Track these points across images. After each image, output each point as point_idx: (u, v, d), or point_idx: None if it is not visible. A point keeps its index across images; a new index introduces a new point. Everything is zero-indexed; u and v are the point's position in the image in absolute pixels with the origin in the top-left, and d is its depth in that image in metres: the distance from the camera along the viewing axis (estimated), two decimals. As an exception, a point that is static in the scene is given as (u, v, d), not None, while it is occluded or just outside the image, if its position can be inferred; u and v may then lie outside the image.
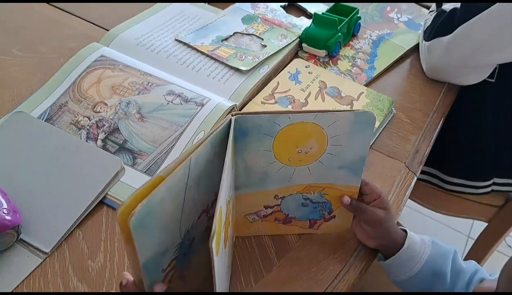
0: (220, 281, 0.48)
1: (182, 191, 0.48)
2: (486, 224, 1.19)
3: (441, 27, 0.88)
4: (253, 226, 0.65)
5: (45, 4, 1.05)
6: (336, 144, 0.57)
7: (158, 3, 1.03)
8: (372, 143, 0.79)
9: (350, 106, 0.82)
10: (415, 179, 0.75)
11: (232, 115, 0.53)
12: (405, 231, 0.65)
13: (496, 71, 0.92)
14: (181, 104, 0.78)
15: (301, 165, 0.59)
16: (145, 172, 0.70)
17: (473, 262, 0.68)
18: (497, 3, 0.79)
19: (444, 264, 0.64)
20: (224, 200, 0.48)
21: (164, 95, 0.79)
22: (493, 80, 0.94)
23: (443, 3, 0.94)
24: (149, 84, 0.81)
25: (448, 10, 0.89)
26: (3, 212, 0.60)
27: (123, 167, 0.70)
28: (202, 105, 0.78)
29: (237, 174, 0.59)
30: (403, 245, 0.63)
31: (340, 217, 0.65)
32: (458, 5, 0.87)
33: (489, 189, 1.08)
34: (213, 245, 0.42)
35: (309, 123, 0.55)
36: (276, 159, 0.58)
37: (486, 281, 0.53)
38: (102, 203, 0.67)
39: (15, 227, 0.60)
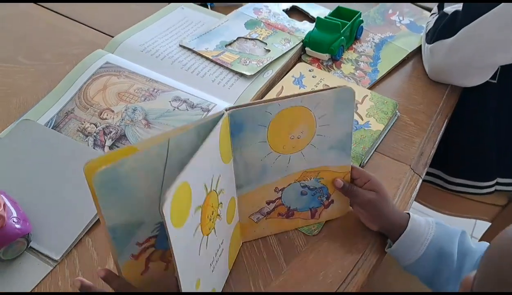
0: (187, 265, 0.49)
1: (160, 169, 0.50)
2: (489, 223, 1.19)
3: (443, 29, 0.89)
4: (258, 227, 0.66)
5: (49, 11, 1.05)
6: (324, 125, 0.61)
7: (161, 9, 1.03)
8: (377, 147, 0.79)
9: (354, 110, 0.83)
10: (420, 181, 0.76)
11: (226, 110, 0.56)
12: (409, 214, 0.66)
13: (498, 72, 0.92)
14: (187, 110, 0.78)
15: (295, 151, 0.62)
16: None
17: (486, 244, 0.66)
18: (500, 5, 0.79)
19: (450, 245, 0.63)
20: (194, 177, 0.49)
21: (170, 101, 0.80)
22: (495, 81, 0.94)
23: (445, 6, 0.94)
24: (155, 90, 0.81)
25: (450, 13, 0.89)
26: (13, 221, 0.60)
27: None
28: (208, 110, 0.78)
29: (237, 173, 0.61)
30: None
31: (338, 201, 0.68)
32: (460, 7, 0.88)
33: (492, 189, 1.08)
34: (166, 209, 0.43)
35: (297, 107, 0.59)
36: (272, 149, 0.61)
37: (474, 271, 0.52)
38: (110, 209, 0.68)
39: (25, 235, 0.61)
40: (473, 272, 0.49)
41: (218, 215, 0.57)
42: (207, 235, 0.54)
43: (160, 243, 0.55)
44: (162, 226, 0.51)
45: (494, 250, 0.43)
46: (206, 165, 0.52)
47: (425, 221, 0.65)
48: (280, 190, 0.65)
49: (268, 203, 0.65)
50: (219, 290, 0.60)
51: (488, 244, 0.64)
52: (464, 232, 0.66)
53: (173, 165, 0.51)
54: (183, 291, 0.48)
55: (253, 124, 0.58)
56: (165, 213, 0.43)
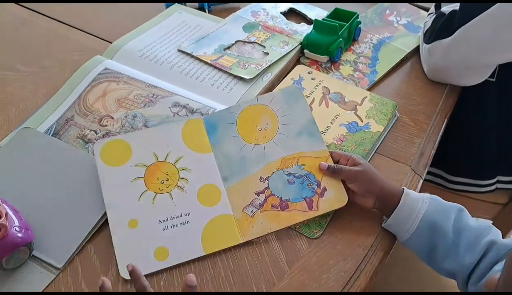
0: (115, 199, 0.68)
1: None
2: (491, 221, 1.19)
3: (441, 29, 0.89)
4: (255, 222, 0.68)
5: (46, 17, 1.06)
6: (284, 115, 0.75)
7: (159, 14, 1.03)
8: (377, 148, 0.79)
9: (354, 111, 0.83)
10: (421, 181, 0.76)
11: (201, 115, 0.77)
12: (403, 189, 0.67)
13: (497, 70, 0.92)
14: (187, 115, 0.79)
15: (267, 140, 0.74)
16: (153, 184, 0.71)
17: (488, 222, 0.66)
18: (497, 4, 0.79)
19: (444, 220, 0.64)
20: (136, 141, 0.72)
21: (170, 107, 0.80)
22: (494, 80, 0.94)
23: (442, 6, 0.94)
24: (154, 96, 0.81)
25: (447, 13, 0.90)
26: (15, 230, 0.60)
27: (132, 180, 0.71)
28: (208, 115, 0.78)
29: (220, 166, 0.72)
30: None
31: (332, 189, 0.70)
32: (457, 7, 0.88)
33: (493, 187, 1.08)
34: (97, 148, 0.70)
35: (256, 106, 0.76)
36: (245, 141, 0.73)
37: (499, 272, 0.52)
38: (112, 216, 0.68)
39: (28, 244, 0.61)
40: (498, 273, 0.50)
41: (178, 186, 0.69)
42: (156, 192, 0.68)
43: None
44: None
45: None
46: (158, 141, 0.72)
47: (419, 196, 0.66)
48: (265, 179, 0.71)
49: (257, 194, 0.70)
50: (174, 255, 0.64)
51: (489, 223, 0.65)
52: (461, 209, 0.66)
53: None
54: (110, 222, 0.65)
55: (224, 123, 0.75)
56: (95, 150, 0.70)
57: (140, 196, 0.68)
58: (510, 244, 0.62)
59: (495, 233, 0.64)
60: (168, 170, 0.70)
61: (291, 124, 0.74)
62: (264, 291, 0.61)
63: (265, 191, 0.70)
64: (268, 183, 0.70)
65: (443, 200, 0.68)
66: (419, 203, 0.65)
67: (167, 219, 0.67)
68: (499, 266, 0.61)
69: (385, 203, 0.67)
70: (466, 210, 0.67)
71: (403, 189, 0.67)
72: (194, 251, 0.65)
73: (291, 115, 0.75)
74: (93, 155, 0.74)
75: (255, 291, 0.61)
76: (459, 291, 0.68)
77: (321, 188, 0.70)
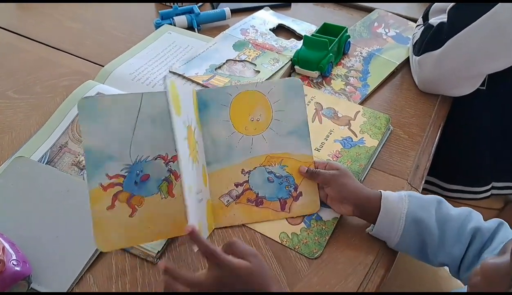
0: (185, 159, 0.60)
1: (133, 115, 0.65)
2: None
3: (430, 41, 0.90)
4: (229, 212, 0.70)
5: (36, 43, 1.05)
6: (279, 110, 0.73)
7: (149, 36, 1.04)
8: (373, 162, 0.80)
9: (348, 126, 0.83)
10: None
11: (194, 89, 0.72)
12: (380, 193, 0.67)
13: (486, 79, 0.93)
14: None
15: (256, 133, 0.73)
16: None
17: (467, 208, 0.67)
18: (484, 15, 0.80)
19: (426, 214, 0.64)
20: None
21: (164, 130, 0.79)
22: (484, 88, 0.95)
23: (430, 17, 0.95)
24: (148, 119, 0.81)
25: (435, 24, 0.90)
26: (12, 264, 0.59)
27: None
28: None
29: (206, 149, 0.71)
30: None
31: (307, 194, 0.72)
32: (445, 19, 0.89)
33: (488, 193, 1.09)
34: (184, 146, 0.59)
35: (253, 92, 0.73)
36: (235, 129, 0.72)
37: (492, 257, 0.53)
38: (110, 243, 0.67)
39: (26, 277, 0.60)
40: (489, 257, 0.51)
41: (196, 156, 0.66)
42: (194, 162, 0.65)
43: (127, 185, 0.65)
44: (132, 171, 0.65)
45: None
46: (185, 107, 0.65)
47: (397, 196, 0.67)
48: (246, 172, 0.72)
49: (236, 186, 0.72)
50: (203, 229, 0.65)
51: (468, 209, 0.67)
52: (440, 200, 0.67)
53: (144, 119, 0.65)
54: (183, 176, 0.57)
55: (217, 103, 0.72)
56: (184, 148, 0.59)
57: (191, 164, 0.64)
58: (492, 226, 0.64)
59: (476, 218, 0.66)
60: (191, 137, 0.66)
61: (284, 121, 0.73)
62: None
63: (244, 184, 0.72)
64: (248, 177, 0.72)
65: (421, 194, 0.68)
66: (399, 204, 0.65)
67: (198, 193, 0.66)
68: (487, 254, 0.63)
69: (364, 209, 0.67)
70: (445, 200, 0.67)
71: (380, 192, 0.67)
72: (204, 229, 0.66)
73: (286, 112, 0.73)
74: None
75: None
76: (459, 291, 0.68)
77: (297, 192, 0.72)
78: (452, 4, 0.87)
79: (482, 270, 0.51)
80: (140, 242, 0.65)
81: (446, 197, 1.09)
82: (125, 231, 0.64)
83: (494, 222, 0.65)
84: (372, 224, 0.67)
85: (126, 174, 0.65)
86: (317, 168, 0.72)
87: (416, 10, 1.17)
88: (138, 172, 0.66)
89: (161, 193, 0.67)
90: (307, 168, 0.72)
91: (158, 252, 0.66)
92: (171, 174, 0.68)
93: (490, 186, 1.08)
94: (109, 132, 0.64)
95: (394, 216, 0.65)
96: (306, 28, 1.09)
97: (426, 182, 1.11)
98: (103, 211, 0.64)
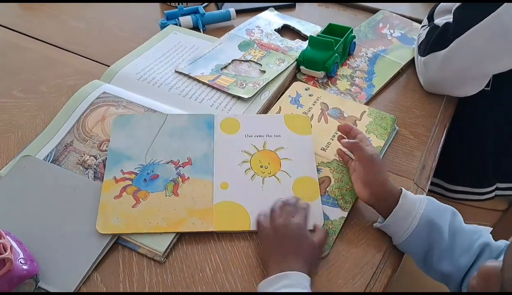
0: (221, 161, 0.76)
1: (155, 130, 0.79)
2: (491, 228, 1.20)
3: (435, 41, 0.90)
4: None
5: (41, 42, 1.05)
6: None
7: (154, 36, 1.04)
8: (379, 163, 0.80)
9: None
10: (425, 194, 0.76)
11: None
12: (401, 189, 0.67)
13: (491, 79, 0.93)
14: (188, 137, 0.79)
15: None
16: (157, 208, 0.72)
17: (477, 226, 0.67)
18: (491, 15, 0.80)
19: (441, 219, 0.65)
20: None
21: (170, 130, 0.80)
22: (489, 89, 0.95)
23: (435, 18, 0.95)
24: (154, 119, 0.82)
25: (440, 25, 0.90)
26: (20, 262, 0.59)
27: (135, 205, 0.71)
28: (209, 136, 0.79)
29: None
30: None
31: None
32: (450, 19, 0.89)
33: (492, 194, 1.09)
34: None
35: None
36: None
37: (491, 261, 0.53)
38: (116, 243, 0.67)
39: (33, 276, 0.60)
40: (488, 262, 0.51)
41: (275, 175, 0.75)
42: (259, 175, 0.74)
43: (137, 181, 0.73)
44: (143, 170, 0.74)
45: None
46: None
47: (417, 197, 0.67)
48: None
49: None
50: None
51: (479, 227, 0.66)
52: (455, 212, 0.67)
53: (164, 132, 0.79)
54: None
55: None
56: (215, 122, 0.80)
57: (243, 173, 0.75)
58: (501, 245, 0.64)
59: (487, 236, 0.66)
60: (269, 157, 0.77)
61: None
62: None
63: None
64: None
65: (438, 202, 0.68)
66: (417, 203, 0.66)
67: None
68: (483, 239, 0.64)
69: (381, 201, 0.67)
70: (459, 214, 0.68)
71: (401, 189, 0.67)
72: None
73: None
74: (94, 181, 0.74)
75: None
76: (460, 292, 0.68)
77: None
78: (457, 4, 0.87)
79: (480, 272, 0.51)
80: (135, 230, 0.67)
81: (449, 198, 1.10)
82: (125, 219, 0.68)
83: (503, 242, 0.65)
84: (380, 217, 0.68)
85: (138, 172, 0.74)
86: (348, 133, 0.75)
87: (420, 11, 1.18)
88: (149, 171, 0.74)
89: (166, 191, 0.72)
90: (347, 140, 0.74)
91: (165, 251, 0.66)
92: (179, 177, 0.73)
93: (494, 187, 1.08)
94: (132, 140, 0.77)
95: (409, 213, 0.65)
96: (311, 28, 1.09)
97: (431, 183, 1.11)
98: (110, 198, 0.70)
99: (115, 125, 0.79)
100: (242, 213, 0.70)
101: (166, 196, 0.71)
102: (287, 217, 0.65)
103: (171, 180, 0.73)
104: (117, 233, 0.67)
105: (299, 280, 0.58)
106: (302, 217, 0.66)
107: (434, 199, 0.68)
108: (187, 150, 0.76)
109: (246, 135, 0.79)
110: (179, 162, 0.75)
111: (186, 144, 0.77)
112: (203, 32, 1.08)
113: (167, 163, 0.75)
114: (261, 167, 0.75)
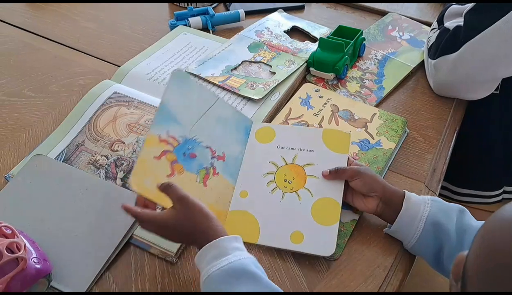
0: (248, 168, 0.76)
1: (206, 107, 0.75)
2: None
3: (446, 44, 0.90)
4: None
5: (52, 42, 1.06)
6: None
7: (164, 36, 1.04)
8: (390, 165, 0.80)
9: (364, 128, 0.83)
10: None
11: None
12: (404, 192, 0.67)
13: (500, 83, 0.93)
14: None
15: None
16: (169, 209, 0.71)
17: None
18: (501, 19, 0.80)
19: (447, 219, 0.64)
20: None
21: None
22: (498, 92, 0.95)
23: (445, 21, 0.95)
24: (165, 119, 0.82)
25: (451, 28, 0.90)
26: (33, 261, 0.59)
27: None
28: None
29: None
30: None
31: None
32: (461, 22, 0.89)
33: (500, 198, 1.09)
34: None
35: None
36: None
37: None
38: (128, 243, 0.68)
39: (46, 275, 0.60)
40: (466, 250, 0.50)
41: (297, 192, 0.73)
42: (280, 189, 0.72)
43: (178, 151, 0.69)
44: (184, 143, 0.70)
45: (486, 227, 0.43)
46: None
47: (421, 199, 0.67)
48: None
49: None
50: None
51: None
52: (463, 210, 0.66)
53: (212, 114, 0.75)
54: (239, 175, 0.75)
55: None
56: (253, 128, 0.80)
57: (265, 184, 0.74)
58: None
59: None
60: (295, 172, 0.74)
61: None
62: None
63: None
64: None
65: (444, 201, 0.68)
66: (421, 206, 0.65)
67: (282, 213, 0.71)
68: None
69: (388, 205, 0.67)
70: (468, 211, 0.67)
71: (404, 192, 0.67)
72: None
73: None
74: (105, 180, 0.74)
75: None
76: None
77: None
78: (468, 8, 0.87)
79: (456, 260, 0.49)
80: (162, 203, 0.63)
81: (456, 201, 1.10)
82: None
83: None
84: (389, 224, 0.68)
85: (180, 142, 0.70)
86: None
87: (429, 14, 1.18)
88: (189, 147, 0.71)
89: (198, 177, 0.71)
90: (329, 170, 0.71)
91: (177, 251, 0.66)
92: (212, 167, 0.73)
93: (501, 190, 1.08)
94: (185, 104, 0.72)
95: (415, 217, 0.65)
96: (320, 30, 1.10)
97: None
98: (150, 156, 0.66)
99: (173, 78, 0.70)
100: (254, 226, 0.69)
101: (197, 181, 0.70)
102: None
103: (204, 167, 0.72)
104: (146, 197, 0.63)
105: (225, 245, 0.57)
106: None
107: (439, 198, 0.68)
108: (224, 144, 0.75)
109: (278, 147, 0.77)
110: (215, 152, 0.74)
111: (225, 137, 0.76)
112: (213, 33, 1.08)
113: (206, 147, 0.73)
114: (284, 180, 0.73)
